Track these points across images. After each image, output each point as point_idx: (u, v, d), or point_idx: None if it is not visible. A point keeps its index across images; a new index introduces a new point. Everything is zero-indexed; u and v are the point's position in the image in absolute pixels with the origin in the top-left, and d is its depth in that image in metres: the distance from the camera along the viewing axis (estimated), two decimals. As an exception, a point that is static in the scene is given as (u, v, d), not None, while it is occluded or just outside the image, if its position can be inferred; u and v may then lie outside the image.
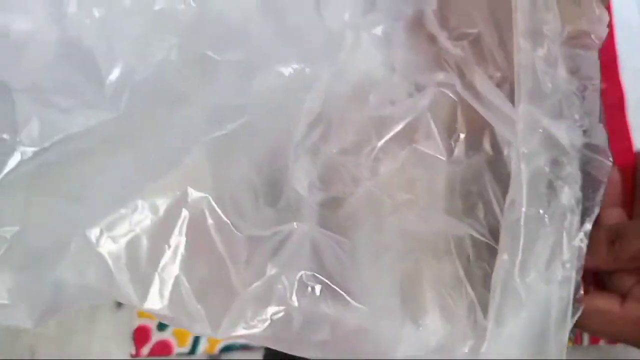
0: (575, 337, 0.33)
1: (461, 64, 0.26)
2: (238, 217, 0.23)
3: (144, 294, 0.21)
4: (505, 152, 0.26)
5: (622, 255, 0.29)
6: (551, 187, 0.23)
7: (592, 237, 0.30)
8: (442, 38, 0.26)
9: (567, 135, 0.23)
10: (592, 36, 0.23)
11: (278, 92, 0.24)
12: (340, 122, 0.25)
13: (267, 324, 0.22)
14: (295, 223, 0.23)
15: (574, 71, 0.24)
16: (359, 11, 0.26)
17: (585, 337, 0.33)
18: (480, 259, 0.25)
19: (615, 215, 0.33)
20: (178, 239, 0.22)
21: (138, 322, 0.35)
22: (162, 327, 0.35)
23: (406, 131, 0.26)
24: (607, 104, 0.36)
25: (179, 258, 0.22)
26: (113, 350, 0.36)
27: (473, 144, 0.26)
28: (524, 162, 0.23)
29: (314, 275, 0.22)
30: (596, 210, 0.28)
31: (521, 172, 0.23)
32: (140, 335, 0.35)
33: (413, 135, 0.26)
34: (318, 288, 0.22)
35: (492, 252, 0.23)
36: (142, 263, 0.21)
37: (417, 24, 0.27)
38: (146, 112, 0.22)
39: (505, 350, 0.22)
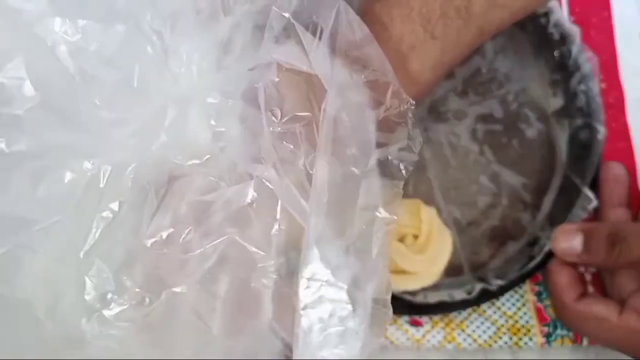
0: (574, 338, 0.34)
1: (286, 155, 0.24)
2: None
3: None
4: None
5: (621, 259, 0.29)
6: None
7: (594, 234, 0.30)
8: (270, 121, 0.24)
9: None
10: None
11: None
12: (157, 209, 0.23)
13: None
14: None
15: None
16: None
17: (585, 338, 0.34)
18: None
19: (620, 214, 0.33)
20: None
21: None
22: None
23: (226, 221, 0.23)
24: (607, 104, 0.36)
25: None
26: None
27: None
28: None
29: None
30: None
31: None
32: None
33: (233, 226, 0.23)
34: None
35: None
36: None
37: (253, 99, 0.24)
38: None
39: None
